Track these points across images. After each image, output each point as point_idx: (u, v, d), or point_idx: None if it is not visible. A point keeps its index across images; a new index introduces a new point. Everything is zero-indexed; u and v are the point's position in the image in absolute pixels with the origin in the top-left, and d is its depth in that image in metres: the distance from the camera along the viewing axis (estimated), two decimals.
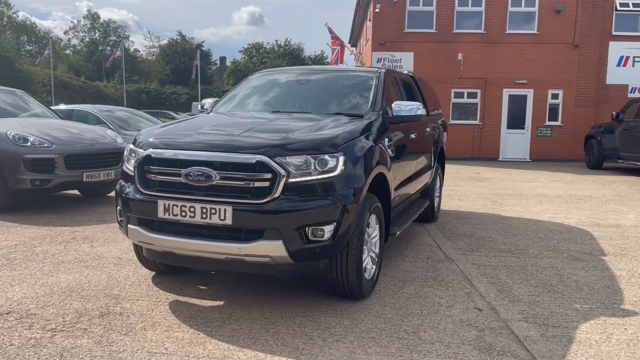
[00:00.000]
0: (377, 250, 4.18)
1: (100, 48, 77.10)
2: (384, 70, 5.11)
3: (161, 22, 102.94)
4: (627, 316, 3.75)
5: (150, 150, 3.65)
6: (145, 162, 3.65)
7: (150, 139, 3.78)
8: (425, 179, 6.21)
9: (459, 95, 18.25)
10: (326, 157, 3.48)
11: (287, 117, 4.44)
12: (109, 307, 3.71)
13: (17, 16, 74.60)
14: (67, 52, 78.43)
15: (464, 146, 18.18)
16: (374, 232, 4.10)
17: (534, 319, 3.65)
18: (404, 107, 4.64)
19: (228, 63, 72.46)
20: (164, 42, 75.52)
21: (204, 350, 3.08)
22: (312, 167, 3.44)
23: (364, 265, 3.86)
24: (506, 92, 18.18)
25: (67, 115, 10.60)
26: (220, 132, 3.86)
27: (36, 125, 7.63)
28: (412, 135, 5.30)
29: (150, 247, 3.71)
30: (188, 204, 3.44)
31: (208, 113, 5.00)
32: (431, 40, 17.89)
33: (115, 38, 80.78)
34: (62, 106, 12.31)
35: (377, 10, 17.64)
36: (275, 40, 79.23)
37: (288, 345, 3.15)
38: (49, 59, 36.59)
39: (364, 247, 3.91)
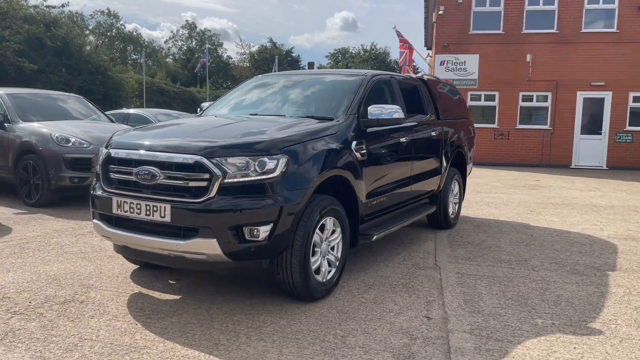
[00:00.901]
0: (337, 254, 4.17)
1: (196, 55, 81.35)
2: (369, 74, 5.07)
3: (258, 29, 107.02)
4: (586, 335, 3.48)
5: (112, 150, 3.91)
6: (106, 161, 3.91)
7: (115, 139, 4.04)
8: (431, 184, 6.06)
9: (527, 98, 17.40)
10: (265, 158, 3.54)
11: (254, 120, 4.54)
12: (75, 295, 4.00)
13: (124, 27, 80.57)
14: (168, 60, 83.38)
15: (531, 152, 17.31)
16: (332, 235, 4.09)
17: (481, 332, 3.49)
18: (380, 110, 4.58)
19: (315, 68, 73.82)
20: (255, 48, 78.22)
21: (130, 339, 3.25)
22: (252, 169, 3.52)
23: (314, 267, 3.87)
24: (580, 95, 17.08)
25: (124, 119, 11.38)
26: (175, 134, 4.05)
27: (82, 127, 8.29)
28: (403, 139, 5.21)
29: (110, 241, 3.96)
30: (136, 201, 3.65)
31: (198, 116, 5.23)
32: (498, 42, 17.22)
33: (210, 46, 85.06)
34: (124, 110, 13.21)
35: (440, 12, 17.27)
36: (361, 45, 79.47)
37: (210, 341, 3.25)
38: (143, 66, 39.19)
39: (317, 249, 3.93)
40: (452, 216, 6.85)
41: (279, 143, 3.66)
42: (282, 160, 3.59)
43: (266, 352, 3.12)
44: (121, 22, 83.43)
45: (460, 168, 7.11)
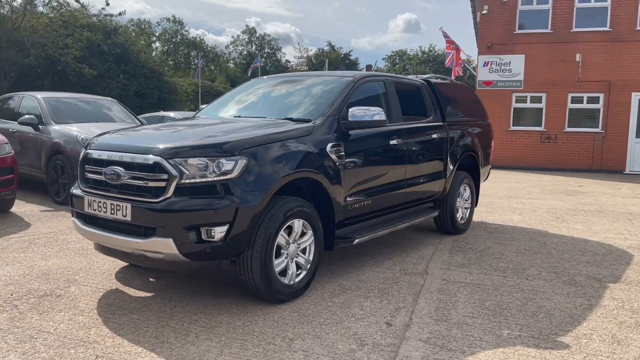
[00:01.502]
0: (309, 257, 4.14)
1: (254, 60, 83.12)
2: (357, 77, 5.00)
3: (320, 33, 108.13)
4: (550, 349, 3.28)
5: (88, 150, 4.06)
6: (83, 161, 4.07)
7: (93, 140, 4.19)
8: (432, 187, 5.90)
9: (577, 100, 16.61)
10: (223, 160, 3.57)
11: (231, 122, 4.58)
12: (55, 290, 4.17)
13: (189, 33, 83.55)
14: (229, 64, 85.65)
15: (580, 157, 16.51)
16: (302, 237, 4.07)
17: (437, 341, 3.36)
18: (363, 112, 4.51)
19: (373, 70, 73.53)
20: (312, 52, 78.89)
21: (84, 334, 3.36)
22: (210, 170, 3.55)
23: (278, 269, 3.87)
24: (635, 97, 16.13)
25: (158, 121, 11.77)
26: (146, 136, 4.15)
27: (109, 129, 8.63)
28: (394, 142, 5.10)
29: (86, 238, 4.11)
30: (103, 200, 3.77)
31: (192, 118, 5.34)
32: (545, 41, 16.55)
33: (269, 50, 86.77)
34: (160, 112, 13.67)
35: (484, 11, 16.80)
36: (419, 47, 78.57)
37: (159, 338, 3.31)
38: (199, 71, 40.39)
39: (283, 251, 3.92)
40: (462, 221, 6.63)
41: (238, 145, 3.68)
42: (241, 162, 3.61)
43: (207, 351, 3.14)
44: (186, 29, 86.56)
45: (472, 172, 6.88)
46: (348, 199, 4.53)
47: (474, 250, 5.77)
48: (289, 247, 3.97)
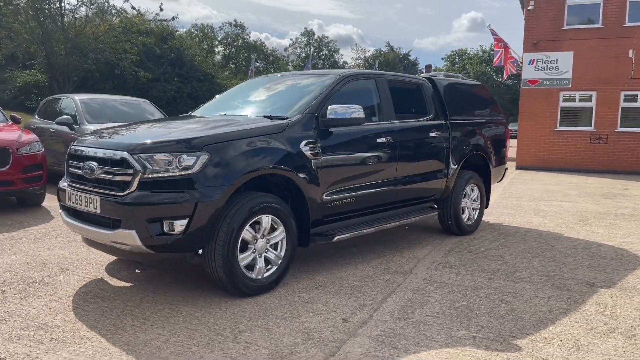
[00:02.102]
0: (280, 252, 4.20)
1: (313, 62, 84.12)
2: (342, 75, 5.01)
3: (383, 34, 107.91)
4: (498, 351, 3.19)
5: (72, 146, 4.30)
6: (68, 157, 4.31)
7: (79, 137, 4.43)
8: (430, 187, 5.80)
9: (630, 98, 15.73)
10: (184, 155, 3.69)
11: (212, 119, 4.69)
12: (45, 277, 4.44)
13: (249, 37, 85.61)
14: (288, 66, 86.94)
15: (634, 158, 15.61)
16: (271, 233, 4.13)
17: (386, 338, 3.33)
18: (344, 109, 4.52)
19: (432, 71, 72.43)
20: (369, 53, 78.85)
21: (50, 318, 3.56)
22: (173, 165, 3.68)
23: (244, 263, 3.94)
24: None
25: None
26: (125, 132, 4.33)
27: None
28: (383, 140, 5.07)
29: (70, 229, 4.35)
30: (79, 193, 3.98)
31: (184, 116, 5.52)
32: (595, 37, 15.77)
33: (327, 52, 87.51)
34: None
35: (530, 7, 16.23)
36: (480, 46, 76.55)
37: (116, 325, 3.47)
38: (252, 73, 41.18)
39: (250, 246, 4.00)
40: (469, 222, 6.47)
41: (200, 141, 3.79)
42: (202, 158, 3.71)
43: (155, 339, 3.26)
44: (246, 33, 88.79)
45: (482, 172, 6.70)
46: (326, 196, 4.54)
47: (472, 252, 5.63)
48: (256, 242, 4.04)
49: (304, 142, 4.35)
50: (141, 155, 3.70)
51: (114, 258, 5.03)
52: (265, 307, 3.85)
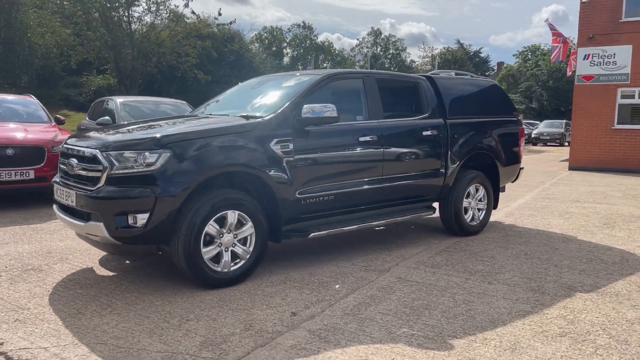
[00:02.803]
0: (249, 247, 4.35)
1: (379, 61, 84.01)
2: (324, 75, 5.09)
3: (457, 31, 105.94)
4: (429, 349, 3.18)
5: (64, 145, 4.65)
6: (60, 154, 4.67)
7: (71, 136, 4.78)
8: (423, 186, 5.75)
9: None
10: (147, 153, 3.93)
11: (191, 119, 4.92)
12: (43, 265, 4.83)
13: (317, 38, 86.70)
14: (356, 67, 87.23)
15: None
16: (239, 228, 4.28)
17: (323, 332, 3.40)
18: (314, 109, 4.60)
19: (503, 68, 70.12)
20: (437, 51, 77.61)
21: (25, 302, 3.89)
22: (137, 162, 3.93)
23: (209, 256, 4.12)
24: None
25: None
26: (103, 131, 4.63)
27: None
28: (366, 138, 5.09)
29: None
30: (63, 188, 4.32)
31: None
32: None
33: (394, 51, 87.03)
34: None
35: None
36: None
37: (79, 310, 3.74)
38: None
39: (216, 240, 4.17)
40: (473, 223, 6.34)
41: (163, 139, 4.00)
42: (164, 155, 3.93)
43: (106, 324, 3.50)
44: (314, 34, 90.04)
45: (489, 171, 6.54)
46: (301, 194, 4.64)
47: (465, 252, 5.53)
48: (222, 237, 4.21)
49: (275, 140, 4.47)
50: (110, 152, 3.97)
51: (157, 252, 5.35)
52: (225, 298, 4.01)
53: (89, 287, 4.27)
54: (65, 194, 4.27)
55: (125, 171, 3.93)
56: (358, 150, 5.08)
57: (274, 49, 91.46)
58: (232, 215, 4.22)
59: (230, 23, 29.75)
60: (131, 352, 3.10)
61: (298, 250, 5.46)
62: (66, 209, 4.40)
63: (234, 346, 3.20)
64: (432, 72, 6.59)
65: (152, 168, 3.91)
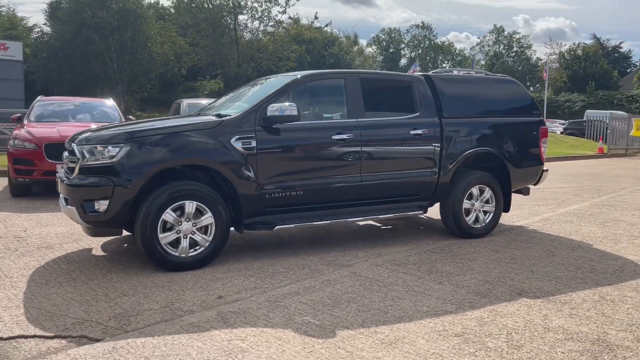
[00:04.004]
0: (208, 236, 4.71)
1: (500, 60, 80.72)
2: (301, 76, 5.31)
3: (601, 25, 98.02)
4: (313, 336, 3.32)
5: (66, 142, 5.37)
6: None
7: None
8: (411, 184, 5.72)
9: None
10: (110, 147, 4.46)
11: (178, 117, 5.39)
12: (56, 244, 5.57)
13: (436, 38, 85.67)
14: (479, 67, 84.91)
15: None
16: (199, 217, 4.66)
17: (227, 315, 3.66)
18: (279, 108, 4.85)
19: None
20: (565, 47, 72.66)
21: (12, 273, 4.54)
22: (103, 155, 4.48)
23: (165, 241, 4.55)
24: None
25: None
26: (93, 128, 5.25)
27: None
28: (339, 136, 5.23)
29: None
30: (59, 180, 5.01)
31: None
32: None
33: (518, 49, 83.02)
34: None
35: None
36: None
37: (47, 282, 4.32)
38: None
39: (175, 227, 4.59)
40: (477, 225, 6.14)
41: (125, 135, 4.52)
42: (124, 149, 4.44)
43: (56, 293, 4.05)
44: (433, 34, 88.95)
45: (498, 173, 6.29)
46: (265, 188, 4.91)
47: (447, 254, 5.43)
48: (181, 224, 4.62)
49: (236, 137, 4.80)
50: (84, 146, 4.56)
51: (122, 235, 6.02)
52: (174, 280, 4.41)
53: (75, 263, 4.90)
54: (59, 184, 4.95)
55: (94, 163, 4.49)
56: (331, 148, 5.23)
57: (391, 50, 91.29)
58: (189, 205, 4.61)
59: (326, 25, 30.55)
60: (53, 317, 3.59)
61: (287, 243, 5.74)
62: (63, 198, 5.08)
63: (141, 319, 3.58)
64: (442, 70, 6.49)
65: (113, 160, 4.43)
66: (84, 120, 9.88)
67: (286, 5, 26.61)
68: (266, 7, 28.34)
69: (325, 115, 5.31)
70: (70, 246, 5.53)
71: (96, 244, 5.63)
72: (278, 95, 5.10)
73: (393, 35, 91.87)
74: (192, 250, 4.69)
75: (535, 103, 6.71)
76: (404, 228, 6.73)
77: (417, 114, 5.81)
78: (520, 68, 77.54)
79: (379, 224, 6.94)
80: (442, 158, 5.84)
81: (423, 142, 5.74)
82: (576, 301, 4.05)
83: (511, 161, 6.29)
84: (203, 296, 4.05)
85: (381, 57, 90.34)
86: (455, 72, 6.68)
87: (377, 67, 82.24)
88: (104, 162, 4.46)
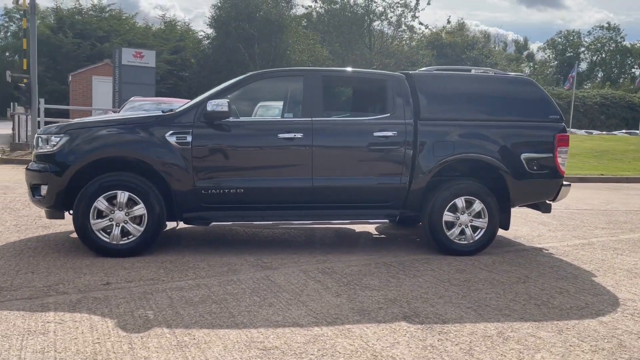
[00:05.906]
0: (140, 226, 4.89)
1: None
2: (252, 74, 5.25)
3: None
4: (115, 326, 3.29)
5: None
6: None
7: None
8: (375, 190, 5.29)
9: None
10: (53, 137, 4.88)
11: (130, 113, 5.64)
12: (54, 224, 6.21)
13: (623, 40, 77.80)
14: None
15: None
16: (132, 207, 4.85)
17: (103, 300, 3.77)
18: (216, 105, 4.87)
19: None
20: None
21: (7, 246, 5.21)
22: (48, 144, 4.92)
23: (97, 227, 4.81)
24: None
25: None
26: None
27: None
28: (287, 135, 5.05)
29: None
30: None
31: None
32: None
33: None
34: None
35: None
36: None
37: (10, 253, 4.86)
38: (574, 81, 37.29)
39: (111, 215, 4.83)
40: (463, 242, 5.41)
41: (65, 127, 4.91)
42: (63, 140, 4.82)
43: (17, 265, 4.52)
44: (621, 35, 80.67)
45: (495, 184, 5.51)
46: (200, 184, 4.95)
47: (398, 268, 4.91)
48: (113, 213, 4.86)
49: (170, 132, 4.91)
50: (40, 135, 5.06)
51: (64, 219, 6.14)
52: (94, 264, 4.65)
53: (55, 243, 5.38)
54: None
55: (41, 151, 4.96)
56: (277, 147, 5.08)
57: (568, 54, 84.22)
58: (121, 195, 4.83)
59: (446, 25, 29.13)
60: None
61: (246, 242, 5.71)
62: None
63: (9, 294, 3.84)
64: (441, 67, 5.89)
65: (53, 149, 4.84)
66: None
67: (415, 9, 26.06)
68: (401, 11, 28.11)
69: (275, 114, 5.16)
70: (62, 227, 6.09)
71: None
72: (226, 92, 5.11)
73: (571, 38, 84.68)
74: (125, 238, 4.90)
75: (554, 106, 5.74)
76: (397, 239, 6.24)
77: (387, 114, 5.35)
78: None
79: (376, 233, 6.54)
80: (416, 163, 5.30)
81: (390, 145, 5.27)
82: (465, 333, 3.41)
83: (511, 171, 5.47)
84: (90, 281, 4.21)
85: (555, 62, 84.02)
86: (473, 72, 6.00)
87: (550, 73, 76.19)
88: (47, 150, 4.89)
